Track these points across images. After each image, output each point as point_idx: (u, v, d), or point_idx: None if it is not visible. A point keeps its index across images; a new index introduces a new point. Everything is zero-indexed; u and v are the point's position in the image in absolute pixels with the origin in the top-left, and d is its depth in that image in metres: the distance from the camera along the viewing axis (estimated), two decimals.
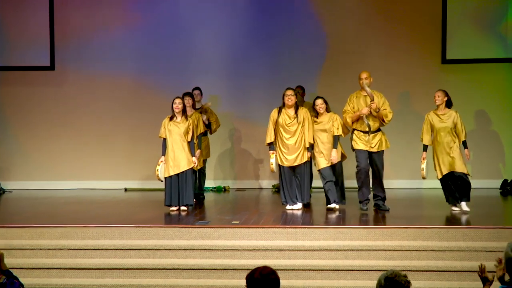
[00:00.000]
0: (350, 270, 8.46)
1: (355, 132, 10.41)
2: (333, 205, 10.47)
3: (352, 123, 10.38)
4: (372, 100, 10.22)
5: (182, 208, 10.59)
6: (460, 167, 10.02)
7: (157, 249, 8.84)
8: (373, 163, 10.39)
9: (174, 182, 10.55)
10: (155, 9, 14.08)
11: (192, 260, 8.71)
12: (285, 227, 9.02)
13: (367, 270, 8.42)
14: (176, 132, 10.55)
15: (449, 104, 10.20)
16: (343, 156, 10.73)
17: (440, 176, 10.21)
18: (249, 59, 13.95)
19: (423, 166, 10.23)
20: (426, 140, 10.27)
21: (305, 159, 10.62)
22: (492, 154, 13.63)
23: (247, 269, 4.99)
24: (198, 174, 12.11)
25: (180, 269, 8.60)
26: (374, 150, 10.33)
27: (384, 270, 4.72)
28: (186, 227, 9.13)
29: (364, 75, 10.33)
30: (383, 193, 10.51)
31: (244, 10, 13.99)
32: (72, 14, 14.12)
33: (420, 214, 10.69)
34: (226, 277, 8.50)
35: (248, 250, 8.76)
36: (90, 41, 14.10)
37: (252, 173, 14.12)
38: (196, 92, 12.32)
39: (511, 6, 13.49)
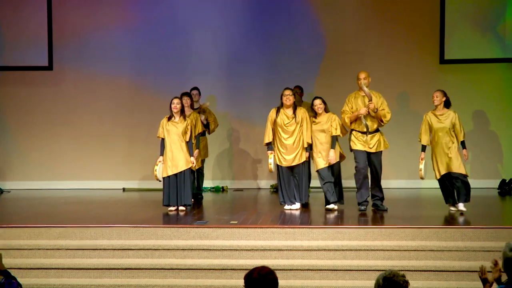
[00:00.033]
0: (349, 270, 8.47)
1: (353, 132, 10.40)
2: (331, 206, 10.47)
3: (351, 123, 10.37)
4: (370, 100, 10.21)
5: (181, 208, 10.59)
6: (457, 168, 10.02)
7: (155, 249, 8.84)
8: (371, 164, 10.39)
9: (172, 182, 10.55)
10: (154, 9, 14.07)
11: (191, 260, 8.71)
12: (283, 227, 9.03)
13: (365, 270, 8.43)
14: (174, 132, 10.55)
15: (447, 104, 10.19)
16: (342, 157, 10.72)
17: (438, 177, 10.21)
18: (248, 59, 13.95)
19: (421, 166, 10.23)
20: (425, 140, 10.26)
21: (303, 159, 10.62)
22: (490, 154, 13.64)
23: (246, 269, 4.99)
24: (197, 174, 12.11)
25: (178, 269, 8.60)
26: (373, 150, 10.32)
27: (382, 270, 4.72)
28: (184, 227, 9.13)
29: (362, 75, 10.32)
30: (381, 193, 10.51)
31: (242, 10, 13.98)
32: (70, 14, 14.10)
33: (419, 214, 10.69)
34: (224, 277, 8.50)
35: (246, 250, 8.76)
36: (88, 41, 14.09)
37: (250, 173, 14.12)
38: (194, 92, 12.31)
39: (509, 6, 13.49)
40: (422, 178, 10.38)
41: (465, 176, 10.07)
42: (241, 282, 4.59)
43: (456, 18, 13.51)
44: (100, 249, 8.89)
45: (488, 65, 13.58)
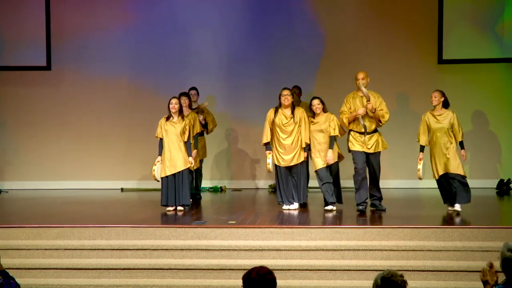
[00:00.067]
0: (347, 270, 8.47)
1: (351, 133, 10.37)
2: (330, 207, 10.46)
3: (349, 124, 10.35)
4: (368, 100, 10.19)
5: (179, 208, 10.59)
6: (455, 168, 10.00)
7: (154, 249, 8.84)
8: (369, 165, 10.37)
9: (171, 182, 10.55)
10: (153, 9, 14.06)
11: (189, 260, 8.71)
12: (282, 227, 9.03)
13: (363, 270, 8.43)
14: (172, 132, 10.55)
15: (446, 105, 10.18)
16: (340, 157, 10.71)
17: (436, 177, 10.20)
18: (246, 59, 13.95)
19: (420, 166, 10.21)
20: (423, 140, 10.25)
21: (302, 159, 10.62)
22: (488, 154, 13.64)
23: (244, 269, 4.99)
24: (195, 174, 12.11)
25: (176, 269, 8.60)
26: (371, 151, 10.30)
27: (380, 270, 4.72)
28: (182, 227, 9.13)
29: (360, 76, 10.30)
30: (379, 193, 10.51)
31: (241, 10, 13.98)
32: (68, 14, 14.09)
33: (417, 214, 10.70)
34: (222, 277, 8.50)
35: (244, 250, 8.76)
36: (86, 41, 14.08)
37: (248, 173, 14.12)
38: (193, 92, 12.31)
39: (507, 6, 13.50)
40: (420, 179, 10.37)
41: (463, 177, 10.04)
42: (240, 282, 4.59)
43: (455, 18, 13.52)
44: (99, 249, 8.89)
45: (486, 65, 13.59)
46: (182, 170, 10.55)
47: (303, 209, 10.69)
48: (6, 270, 5.90)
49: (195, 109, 12.15)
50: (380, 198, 10.51)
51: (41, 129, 14.20)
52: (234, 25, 13.95)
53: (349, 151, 10.44)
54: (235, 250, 8.77)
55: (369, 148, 10.28)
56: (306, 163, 10.85)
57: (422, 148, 10.27)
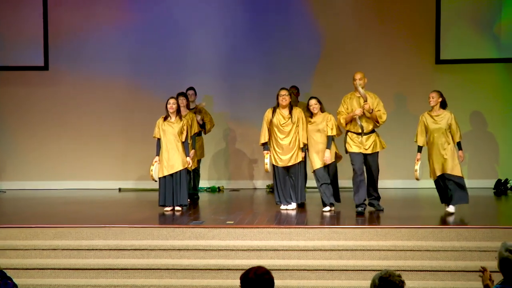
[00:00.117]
0: (345, 270, 8.47)
1: (349, 134, 10.33)
2: (327, 208, 10.46)
3: (346, 124, 10.33)
4: (365, 101, 10.17)
5: (176, 208, 10.59)
6: (451, 169, 9.97)
7: (151, 249, 8.83)
8: (367, 165, 10.35)
9: (168, 182, 10.55)
10: (151, 9, 14.05)
11: (187, 260, 8.71)
12: (280, 227, 9.03)
13: (361, 270, 8.43)
14: (170, 132, 10.54)
15: (443, 105, 10.16)
16: (338, 157, 10.70)
17: (433, 178, 10.20)
18: (244, 59, 13.95)
19: (417, 167, 10.19)
20: (421, 141, 10.23)
21: (300, 159, 10.62)
22: (486, 154, 13.65)
23: (242, 269, 4.98)
24: (193, 174, 12.11)
25: (174, 269, 8.60)
26: (368, 152, 10.28)
27: (378, 270, 4.72)
28: (180, 227, 9.13)
29: (358, 76, 10.28)
30: (377, 193, 10.51)
31: (239, 10, 13.98)
32: (66, 14, 14.08)
33: (415, 214, 10.69)
34: (220, 277, 8.50)
35: (242, 250, 8.76)
36: (84, 41, 14.07)
37: (246, 173, 14.12)
38: (190, 92, 12.32)
39: (505, 6, 13.51)
40: (417, 179, 10.35)
41: (460, 178, 10.01)
42: (237, 282, 4.59)
43: (452, 18, 13.52)
44: (96, 249, 8.89)
45: (484, 65, 13.60)
46: (180, 170, 10.55)
47: (301, 209, 10.69)
48: (3, 270, 5.90)
49: (193, 109, 12.15)
50: (378, 198, 10.51)
51: (39, 129, 14.19)
52: (232, 25, 13.95)
53: (346, 152, 10.42)
54: (233, 250, 8.77)
55: (366, 149, 10.26)
56: (304, 163, 10.85)
57: (419, 149, 10.25)
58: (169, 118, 10.62)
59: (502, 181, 13.19)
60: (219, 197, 13.18)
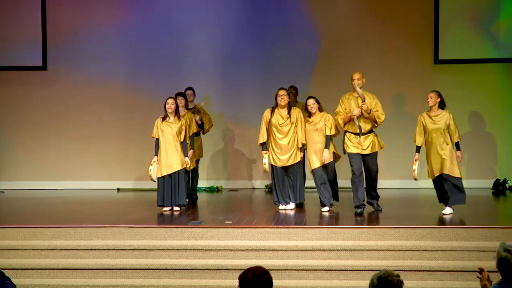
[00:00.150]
0: (343, 270, 8.47)
1: (347, 134, 10.32)
2: (326, 208, 10.46)
3: (344, 124, 10.31)
4: (363, 101, 10.16)
5: (175, 208, 10.59)
6: (449, 169, 9.95)
7: (150, 250, 8.83)
8: (366, 165, 10.34)
9: (167, 182, 10.55)
10: (149, 9, 14.05)
11: (185, 260, 8.71)
12: (278, 227, 9.03)
13: (360, 270, 8.43)
14: (168, 132, 10.54)
15: (442, 105, 10.15)
16: (336, 156, 10.70)
17: (431, 178, 10.19)
18: (242, 59, 13.95)
19: (415, 167, 10.18)
20: (419, 141, 10.22)
21: (298, 159, 10.62)
22: (484, 154, 13.65)
23: (240, 269, 4.98)
24: (191, 174, 12.11)
25: (173, 269, 8.60)
26: (367, 152, 10.26)
27: (377, 270, 4.72)
28: (179, 227, 9.13)
29: (356, 76, 10.26)
30: (376, 192, 10.50)
31: (237, 10, 13.98)
32: (64, 14, 14.08)
33: (413, 214, 10.69)
34: (219, 277, 8.50)
35: (241, 250, 8.76)
36: (82, 41, 14.07)
37: (245, 173, 14.12)
38: (189, 92, 12.31)
39: (503, 6, 13.51)
40: (415, 179, 10.33)
41: (458, 179, 9.99)
42: (236, 282, 4.59)
43: (451, 18, 13.53)
44: (95, 249, 8.88)
45: (482, 65, 13.61)
46: (178, 170, 10.55)
47: (300, 209, 10.69)
48: (2, 270, 5.89)
49: (192, 109, 12.15)
50: (377, 198, 10.50)
51: (37, 129, 14.18)
52: (231, 25, 13.95)
53: (344, 153, 10.42)
54: (231, 250, 8.77)
55: (364, 149, 10.24)
56: (302, 163, 10.84)
57: (418, 149, 10.24)
58: (167, 118, 10.62)
59: (501, 181, 13.20)
60: (218, 197, 13.18)
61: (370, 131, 10.30)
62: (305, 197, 11.05)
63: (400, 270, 7.52)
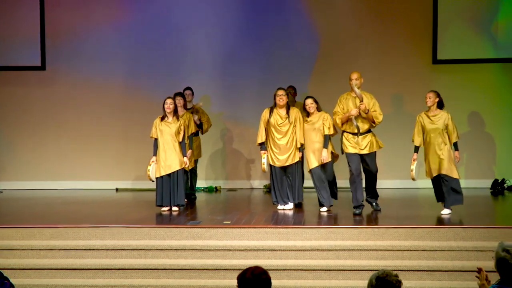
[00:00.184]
0: (342, 270, 8.48)
1: (345, 134, 10.29)
2: (325, 208, 10.45)
3: (342, 124, 10.29)
4: (361, 101, 10.14)
5: (174, 208, 10.59)
6: (447, 170, 9.94)
7: (149, 249, 8.83)
8: (365, 165, 10.31)
9: (166, 182, 10.54)
10: (147, 9, 14.04)
11: (184, 260, 8.71)
12: (277, 227, 9.03)
13: (358, 270, 8.44)
14: (167, 132, 10.54)
15: (440, 105, 10.14)
16: (334, 156, 10.69)
17: (429, 177, 10.18)
18: (241, 59, 13.95)
19: (413, 167, 10.16)
20: (417, 141, 10.21)
21: (297, 159, 10.62)
22: (483, 153, 13.65)
23: (239, 269, 4.99)
24: (190, 174, 12.10)
25: (171, 269, 8.60)
26: (365, 152, 10.24)
27: (375, 270, 4.72)
28: (177, 227, 9.13)
29: (354, 76, 10.24)
30: (375, 193, 10.48)
31: (236, 10, 13.98)
32: (63, 14, 14.07)
33: (412, 214, 10.69)
34: (217, 277, 8.50)
35: (239, 250, 8.76)
36: (81, 42, 14.06)
37: (243, 173, 14.11)
38: (188, 92, 12.31)
39: (502, 6, 13.52)
40: (413, 179, 10.30)
41: (455, 180, 9.98)
42: (234, 282, 4.59)
43: (449, 18, 13.53)
44: (93, 249, 8.88)
45: (481, 65, 13.60)
46: (177, 170, 10.54)
47: (298, 209, 10.69)
48: (0, 270, 5.89)
49: (190, 109, 12.15)
50: (376, 197, 10.47)
51: (35, 129, 14.17)
52: (230, 25, 13.95)
53: (342, 153, 10.41)
54: (230, 250, 8.77)
55: (362, 149, 10.22)
56: (301, 163, 10.84)
57: (416, 149, 10.23)
58: (166, 118, 10.62)
59: (499, 181, 13.20)
60: (216, 197, 13.18)
61: (368, 131, 10.29)
62: (304, 197, 11.05)
63: (398, 270, 7.52)
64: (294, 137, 10.56)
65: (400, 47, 13.68)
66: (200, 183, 13.41)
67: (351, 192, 10.29)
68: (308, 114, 10.59)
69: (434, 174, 10.05)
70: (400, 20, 13.68)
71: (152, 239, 8.99)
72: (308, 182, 11.67)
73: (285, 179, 10.67)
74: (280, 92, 10.62)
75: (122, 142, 14.10)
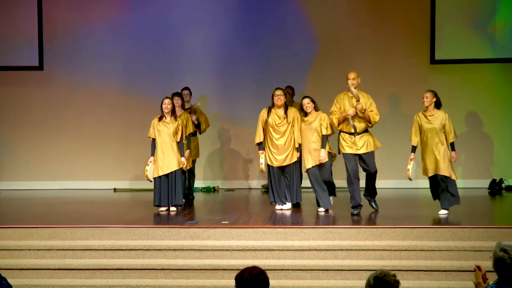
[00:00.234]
0: (340, 270, 8.48)
1: (341, 134, 10.26)
2: (321, 209, 10.45)
3: (339, 124, 10.28)
4: (358, 101, 10.12)
5: (172, 208, 10.58)
6: (443, 170, 9.93)
7: (147, 250, 8.83)
8: (364, 165, 10.28)
9: (164, 182, 10.54)
10: (145, 9, 14.04)
11: (182, 260, 8.71)
12: (275, 227, 9.03)
13: (356, 270, 8.44)
14: (165, 133, 10.54)
15: (438, 105, 10.14)
16: (332, 156, 10.67)
17: (425, 175, 10.17)
18: (239, 59, 13.94)
19: (409, 167, 10.15)
20: (415, 141, 10.20)
21: (295, 159, 10.61)
22: (481, 153, 13.66)
23: (237, 269, 4.98)
24: (188, 174, 12.10)
25: (169, 269, 8.60)
26: (361, 151, 10.19)
27: (373, 270, 4.72)
28: (175, 227, 9.13)
29: (351, 75, 10.20)
30: (374, 192, 10.45)
31: (233, 10, 13.97)
32: (61, 14, 14.06)
33: (409, 214, 10.68)
34: (215, 277, 8.50)
35: (237, 250, 8.76)
36: (79, 41, 14.05)
37: (241, 173, 14.11)
38: (186, 92, 12.31)
39: (499, 6, 13.52)
40: (409, 179, 10.29)
41: (452, 180, 9.96)
42: (232, 282, 4.59)
43: (447, 18, 13.53)
44: (91, 249, 8.88)
45: (478, 65, 13.61)
46: (175, 171, 10.54)
47: (296, 209, 10.69)
48: None
49: (188, 109, 12.15)
50: (374, 195, 10.44)
51: (33, 129, 14.16)
52: (226, 25, 13.94)
53: (339, 153, 10.39)
54: (228, 250, 8.77)
55: (358, 149, 10.18)
56: (299, 163, 10.83)
57: (413, 149, 10.23)
58: (164, 118, 10.61)
59: (497, 181, 13.21)
60: (214, 197, 13.18)
61: (365, 130, 10.27)
62: (302, 197, 11.05)
63: (396, 270, 7.55)
64: (292, 137, 10.56)
65: (397, 47, 13.68)
66: (198, 183, 13.41)
67: (349, 192, 10.28)
68: (305, 114, 10.58)
69: (431, 174, 10.04)
70: (397, 20, 13.68)
71: (150, 239, 8.99)
72: (306, 182, 11.66)
73: (283, 179, 10.67)
74: (278, 92, 10.62)
75: (120, 142, 14.09)
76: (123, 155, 14.01)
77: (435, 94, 10.11)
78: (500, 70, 13.63)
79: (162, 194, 10.54)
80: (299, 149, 10.61)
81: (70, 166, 14.07)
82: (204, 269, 8.56)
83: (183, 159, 10.64)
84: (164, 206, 10.57)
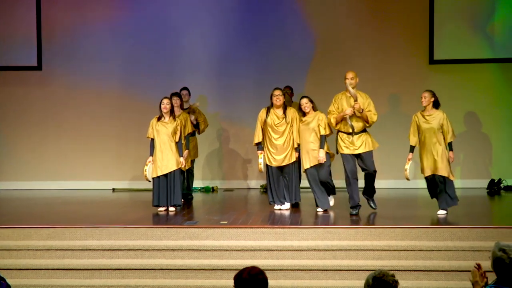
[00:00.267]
0: (339, 270, 8.48)
1: (339, 134, 10.24)
2: (320, 210, 10.45)
3: (336, 124, 10.26)
4: (356, 100, 10.11)
5: (170, 208, 10.58)
6: (441, 170, 9.92)
7: (145, 250, 8.83)
8: (362, 165, 10.26)
9: (162, 182, 10.54)
10: (144, 9, 14.04)
11: (180, 260, 8.70)
12: (274, 227, 9.03)
13: (355, 270, 8.44)
14: (164, 133, 10.54)
15: (436, 105, 10.14)
16: (331, 156, 10.67)
17: (423, 174, 10.18)
18: (237, 59, 13.95)
19: (407, 166, 10.13)
20: (413, 141, 10.20)
21: (293, 159, 10.61)
22: (479, 153, 13.66)
23: (235, 269, 4.98)
24: (186, 175, 12.11)
25: (168, 269, 8.60)
26: (360, 151, 10.16)
27: (372, 270, 4.73)
28: (174, 227, 9.13)
29: (349, 75, 10.17)
30: (373, 192, 10.44)
31: (233, 10, 13.97)
32: (59, 14, 14.05)
33: (408, 214, 10.69)
34: (214, 277, 8.50)
35: (236, 250, 8.76)
36: (78, 41, 14.05)
37: (240, 173, 14.11)
38: (184, 92, 12.31)
39: (498, 6, 13.53)
40: (407, 179, 10.28)
41: (449, 181, 9.95)
42: (231, 282, 4.59)
43: (446, 18, 13.54)
44: (90, 249, 8.88)
45: (477, 66, 13.62)
46: (174, 171, 10.54)
47: (295, 209, 10.69)
48: None
49: (187, 109, 12.15)
50: (373, 194, 10.43)
51: (32, 129, 14.15)
52: (225, 25, 13.94)
53: (337, 153, 10.39)
54: (226, 250, 8.77)
55: (356, 149, 10.16)
56: (298, 163, 10.83)
57: (411, 149, 10.22)
58: (162, 118, 10.61)
59: (496, 181, 13.21)
60: (213, 197, 13.18)
61: (363, 130, 10.25)
62: (301, 197, 11.05)
63: (395, 270, 7.55)
64: (291, 137, 10.56)
65: (397, 47, 13.68)
66: (197, 183, 13.41)
67: (348, 192, 10.28)
68: (304, 114, 10.58)
69: (428, 174, 10.03)
70: (396, 20, 13.69)
71: (149, 239, 8.99)
72: (305, 182, 11.67)
73: (281, 179, 10.67)
74: (277, 92, 10.62)
75: (119, 142, 14.09)
76: (122, 155, 14.02)
77: (433, 94, 10.10)
78: (499, 70, 13.64)
79: (161, 194, 10.54)
80: (298, 149, 10.61)
81: (70, 166, 14.07)
82: (203, 269, 8.56)
83: (181, 159, 10.64)
84: (163, 206, 10.57)
